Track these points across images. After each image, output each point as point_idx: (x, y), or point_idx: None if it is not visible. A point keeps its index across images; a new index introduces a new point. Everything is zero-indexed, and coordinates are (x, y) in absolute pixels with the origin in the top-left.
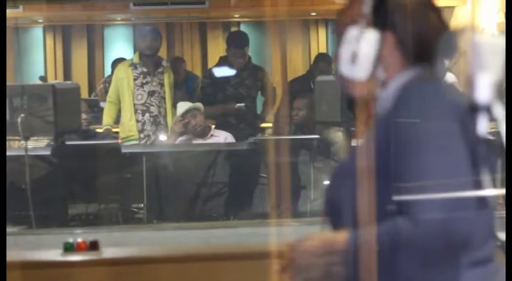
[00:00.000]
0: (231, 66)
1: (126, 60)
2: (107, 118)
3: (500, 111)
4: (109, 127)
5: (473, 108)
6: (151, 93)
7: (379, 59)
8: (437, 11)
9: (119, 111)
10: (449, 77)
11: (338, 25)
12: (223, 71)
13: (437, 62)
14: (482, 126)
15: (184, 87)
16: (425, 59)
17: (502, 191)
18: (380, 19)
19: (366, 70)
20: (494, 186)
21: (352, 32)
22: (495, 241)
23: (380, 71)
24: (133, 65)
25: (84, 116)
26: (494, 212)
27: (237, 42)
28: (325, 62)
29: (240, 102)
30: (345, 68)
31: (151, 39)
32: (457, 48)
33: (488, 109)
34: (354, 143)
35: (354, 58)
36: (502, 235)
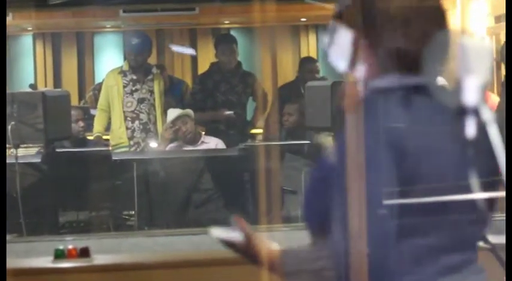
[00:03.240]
0: (221, 71)
1: (116, 68)
2: (98, 126)
3: (488, 114)
4: (99, 134)
5: (461, 111)
6: (140, 101)
7: (352, 59)
8: (425, 18)
9: (110, 118)
10: (439, 81)
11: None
12: (214, 77)
13: (420, 71)
14: (471, 129)
15: (170, 93)
16: (404, 68)
17: (492, 194)
18: (352, 22)
19: (342, 67)
20: (486, 189)
21: (332, 29)
22: (471, 246)
23: (359, 72)
24: (123, 73)
25: (81, 123)
26: (475, 217)
27: (224, 39)
28: (310, 64)
29: (230, 109)
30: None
31: (139, 50)
32: (447, 52)
33: (476, 112)
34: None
35: (331, 54)
36: (494, 238)
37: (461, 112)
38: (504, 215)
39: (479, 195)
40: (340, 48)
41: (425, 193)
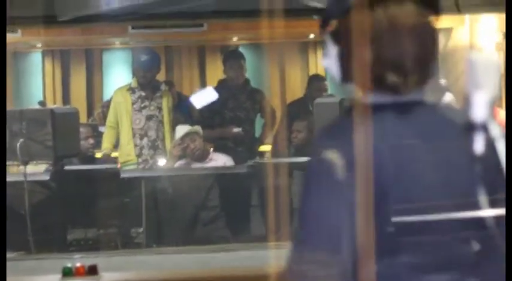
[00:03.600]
0: (229, 88)
1: (124, 85)
2: (106, 143)
3: (496, 129)
4: (108, 152)
5: (470, 127)
6: (149, 118)
7: (342, 75)
8: (403, 36)
9: (118, 135)
10: (448, 96)
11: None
12: (222, 94)
13: (403, 89)
14: (479, 144)
15: (178, 110)
16: (386, 86)
17: (499, 211)
18: (336, 38)
19: (339, 83)
20: (494, 206)
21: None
22: (464, 265)
23: (351, 87)
24: (132, 90)
25: (90, 141)
26: (467, 236)
27: (232, 55)
28: (318, 82)
29: (239, 126)
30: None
31: (147, 67)
32: (432, 70)
33: (484, 127)
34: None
35: (326, 66)
36: None
37: (469, 128)
38: None
39: (475, 213)
40: (331, 62)
41: (409, 211)
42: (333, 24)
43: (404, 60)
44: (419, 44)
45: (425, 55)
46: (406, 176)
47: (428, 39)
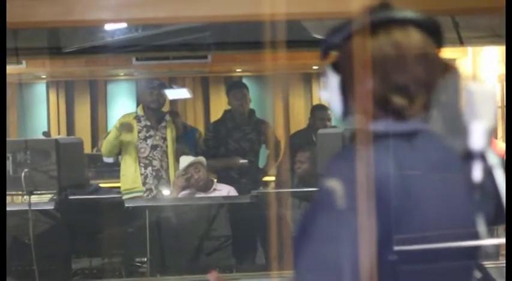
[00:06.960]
0: (234, 119)
1: (131, 113)
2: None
3: (494, 158)
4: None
5: (468, 156)
6: (154, 147)
7: (343, 107)
8: (410, 65)
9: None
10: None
11: None
12: (227, 124)
13: (409, 117)
14: (477, 173)
15: (184, 140)
16: (391, 114)
17: (499, 241)
18: (337, 68)
19: (340, 116)
20: (492, 235)
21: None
22: None
23: (354, 116)
24: (137, 118)
25: (94, 171)
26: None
27: (235, 85)
28: (321, 111)
29: (243, 156)
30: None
31: (157, 93)
32: (437, 98)
33: (482, 156)
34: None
35: (326, 97)
36: None
37: (467, 156)
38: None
39: (475, 242)
40: (331, 94)
41: (411, 240)
42: (333, 54)
43: (409, 83)
44: (424, 70)
45: (430, 81)
46: (409, 205)
47: (432, 66)
